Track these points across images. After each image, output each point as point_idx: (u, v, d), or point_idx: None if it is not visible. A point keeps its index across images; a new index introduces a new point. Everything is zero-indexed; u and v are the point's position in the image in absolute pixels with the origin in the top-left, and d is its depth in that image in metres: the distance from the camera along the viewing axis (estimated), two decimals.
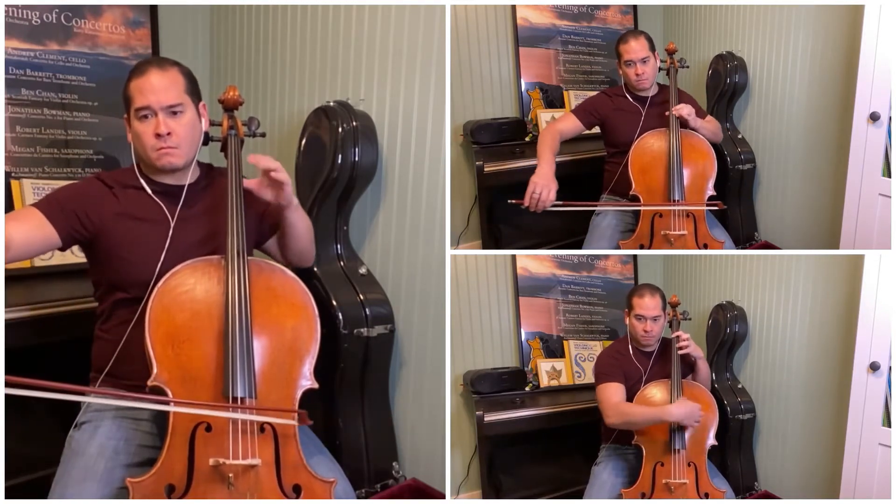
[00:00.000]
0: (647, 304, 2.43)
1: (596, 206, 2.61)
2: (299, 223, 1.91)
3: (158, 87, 1.70)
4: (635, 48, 2.56)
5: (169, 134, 1.71)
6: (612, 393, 2.38)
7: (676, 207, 2.44)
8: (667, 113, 2.53)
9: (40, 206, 1.69)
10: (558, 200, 2.33)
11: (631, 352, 2.49)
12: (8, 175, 2.51)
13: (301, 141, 2.46)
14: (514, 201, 2.35)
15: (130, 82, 1.73)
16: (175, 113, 1.72)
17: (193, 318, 1.60)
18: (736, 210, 3.27)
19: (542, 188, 2.32)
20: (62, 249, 1.73)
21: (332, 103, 2.44)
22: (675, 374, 2.34)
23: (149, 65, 1.75)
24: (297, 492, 1.58)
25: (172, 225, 1.75)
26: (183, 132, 1.73)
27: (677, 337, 2.38)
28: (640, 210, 2.47)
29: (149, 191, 1.78)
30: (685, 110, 2.51)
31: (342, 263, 2.43)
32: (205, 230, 1.79)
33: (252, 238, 1.87)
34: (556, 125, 2.64)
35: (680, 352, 2.36)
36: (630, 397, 2.36)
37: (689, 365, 2.44)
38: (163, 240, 1.72)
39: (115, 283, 1.73)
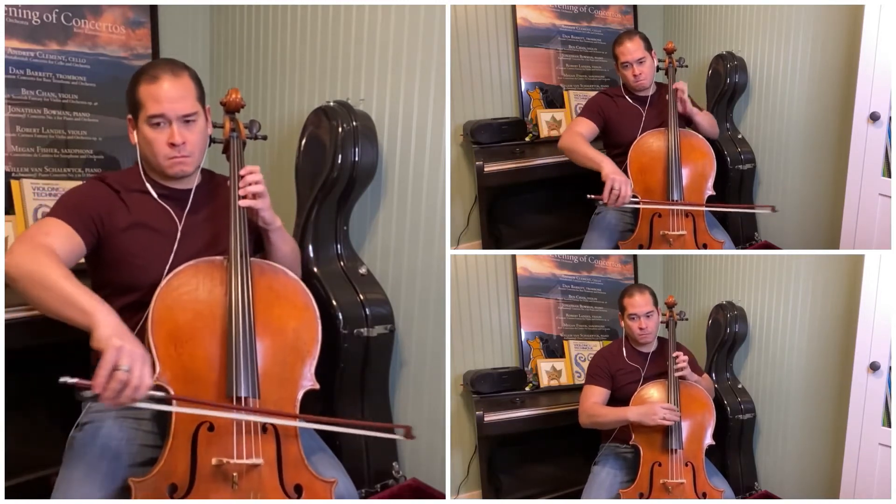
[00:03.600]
0: (638, 302, 2.45)
1: (667, 205, 2.49)
2: (281, 246, 1.87)
3: (174, 96, 1.69)
4: (631, 49, 2.56)
5: (184, 143, 1.71)
6: (589, 395, 2.46)
7: (736, 210, 2.44)
8: (669, 93, 2.53)
9: (60, 216, 1.67)
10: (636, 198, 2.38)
11: (625, 353, 2.49)
12: (8, 175, 2.51)
13: (301, 141, 2.46)
14: (592, 196, 2.37)
15: (140, 86, 1.70)
16: (188, 122, 1.72)
17: (196, 318, 1.61)
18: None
19: (621, 184, 2.34)
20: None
21: (332, 103, 2.44)
22: (671, 374, 2.35)
23: (161, 70, 1.71)
24: (298, 492, 1.58)
25: (180, 229, 1.75)
26: (196, 140, 1.74)
27: (676, 358, 2.38)
28: (639, 210, 2.48)
29: (155, 195, 1.77)
30: (683, 96, 2.53)
31: (342, 263, 2.43)
32: (210, 235, 1.79)
33: (251, 247, 1.86)
34: (576, 129, 2.62)
35: (677, 373, 2.36)
36: (627, 397, 2.37)
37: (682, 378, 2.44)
38: (170, 244, 1.72)
39: (121, 287, 1.72)
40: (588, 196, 2.38)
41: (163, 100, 1.68)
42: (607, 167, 2.39)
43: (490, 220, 3.10)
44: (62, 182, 2.52)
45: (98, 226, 1.70)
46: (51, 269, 1.49)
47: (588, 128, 2.62)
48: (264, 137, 1.92)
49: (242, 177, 1.75)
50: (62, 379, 1.33)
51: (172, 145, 1.70)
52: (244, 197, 1.72)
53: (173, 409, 1.52)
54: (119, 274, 1.72)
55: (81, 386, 1.34)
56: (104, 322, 1.41)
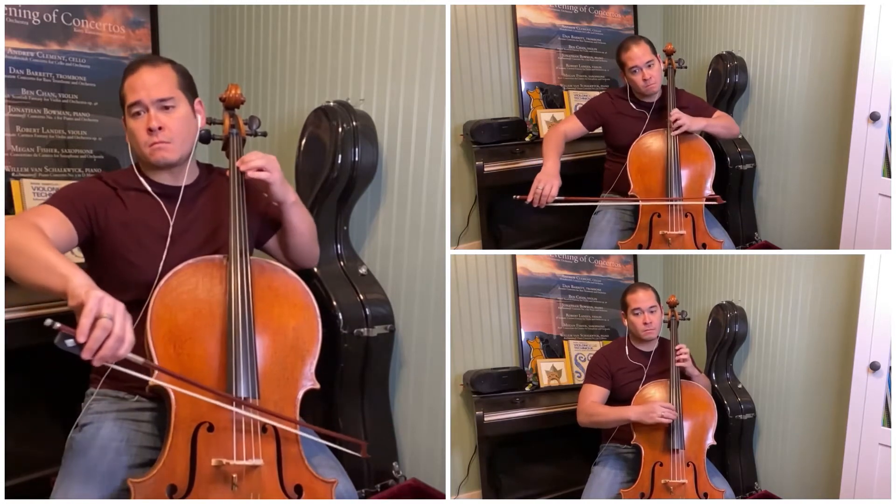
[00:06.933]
0: (641, 298, 2.47)
1: (597, 201, 2.63)
2: (297, 221, 1.89)
3: (149, 83, 1.71)
4: (638, 54, 2.53)
5: (161, 129, 1.71)
6: (588, 394, 2.46)
7: (674, 202, 2.45)
8: (668, 118, 2.51)
9: (54, 203, 1.68)
10: (560, 196, 2.36)
11: (628, 352, 2.49)
12: (8, 175, 2.51)
13: (301, 141, 2.46)
14: (518, 197, 2.38)
15: (124, 81, 1.74)
16: (167, 107, 1.72)
17: (195, 318, 1.60)
18: (736, 210, 3.27)
19: (545, 184, 2.35)
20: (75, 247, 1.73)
21: (332, 103, 2.44)
22: (673, 374, 2.35)
23: (140, 63, 1.75)
24: (298, 492, 1.58)
25: (171, 226, 1.74)
26: (175, 126, 1.73)
27: (678, 349, 2.38)
28: (638, 209, 2.48)
29: (150, 191, 1.77)
30: (680, 121, 2.46)
31: (342, 263, 2.43)
32: (206, 231, 1.79)
33: (253, 237, 1.86)
34: (560, 126, 2.65)
35: (678, 363, 2.37)
36: (629, 396, 2.37)
37: (684, 374, 2.44)
38: (164, 241, 1.72)
39: (116, 285, 1.70)
40: (514, 196, 2.39)
41: (138, 87, 1.71)
42: (542, 168, 2.41)
43: (490, 220, 3.10)
44: (62, 182, 2.52)
45: (92, 218, 1.70)
46: (33, 240, 1.49)
47: (574, 127, 2.64)
48: (264, 134, 1.92)
49: (243, 173, 1.76)
50: (48, 321, 1.27)
51: (150, 131, 1.70)
52: (260, 169, 1.73)
53: (159, 382, 1.50)
54: (114, 271, 1.72)
55: (66, 331, 1.29)
56: (81, 281, 1.38)
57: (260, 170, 1.74)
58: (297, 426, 1.61)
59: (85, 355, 1.31)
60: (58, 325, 1.28)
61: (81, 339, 1.30)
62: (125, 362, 1.39)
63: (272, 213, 1.91)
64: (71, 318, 1.35)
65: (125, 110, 1.74)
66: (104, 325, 1.31)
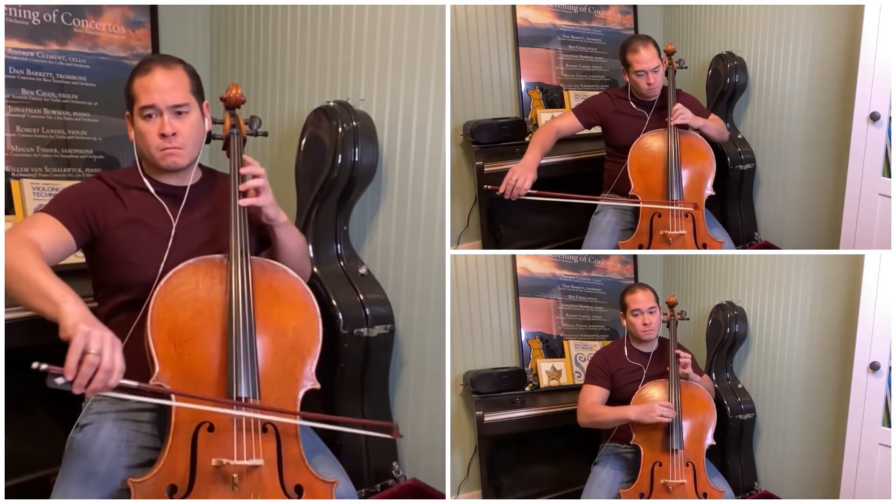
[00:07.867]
0: (640, 298, 2.46)
1: (570, 198, 2.48)
2: (288, 241, 1.85)
3: (164, 87, 1.69)
4: (646, 58, 2.50)
5: (174, 134, 1.70)
6: (588, 395, 2.46)
7: (669, 207, 2.44)
8: (667, 119, 2.51)
9: (51, 212, 1.66)
10: (533, 190, 2.35)
11: (627, 352, 2.49)
12: (8, 175, 2.51)
13: (301, 141, 2.46)
14: (489, 187, 2.40)
15: (134, 80, 1.71)
16: (180, 113, 1.71)
17: (196, 317, 1.60)
18: (736, 210, 3.27)
19: (519, 176, 2.34)
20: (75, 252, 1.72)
21: (332, 103, 2.44)
22: (672, 373, 2.35)
23: (154, 63, 1.72)
24: (298, 492, 1.58)
25: (175, 226, 1.74)
26: (188, 132, 1.72)
27: (679, 356, 2.38)
28: (639, 209, 2.48)
29: (152, 192, 1.77)
30: (683, 115, 2.48)
31: (342, 263, 2.44)
32: (208, 233, 1.78)
33: (253, 245, 1.85)
34: (555, 122, 2.65)
35: (681, 370, 2.36)
36: (628, 396, 2.37)
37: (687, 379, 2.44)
38: (165, 242, 1.71)
39: (117, 285, 1.72)
40: (485, 186, 2.40)
41: (153, 90, 1.68)
42: (520, 161, 2.41)
43: (490, 220, 3.10)
44: (62, 182, 2.52)
45: (91, 222, 1.69)
46: (27, 262, 1.49)
47: (569, 123, 2.63)
48: (265, 134, 1.91)
49: (243, 175, 1.75)
50: (34, 364, 1.29)
51: (163, 136, 1.69)
52: (245, 194, 1.71)
53: (151, 400, 1.50)
54: (115, 271, 1.71)
55: (53, 371, 1.31)
56: (71, 311, 1.38)
57: (257, 190, 1.72)
58: (297, 418, 1.61)
59: (76, 391, 1.33)
60: (44, 366, 1.30)
61: (69, 377, 1.31)
62: (119, 387, 1.40)
63: (266, 230, 1.89)
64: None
65: (134, 110, 1.72)
66: (91, 361, 1.32)
